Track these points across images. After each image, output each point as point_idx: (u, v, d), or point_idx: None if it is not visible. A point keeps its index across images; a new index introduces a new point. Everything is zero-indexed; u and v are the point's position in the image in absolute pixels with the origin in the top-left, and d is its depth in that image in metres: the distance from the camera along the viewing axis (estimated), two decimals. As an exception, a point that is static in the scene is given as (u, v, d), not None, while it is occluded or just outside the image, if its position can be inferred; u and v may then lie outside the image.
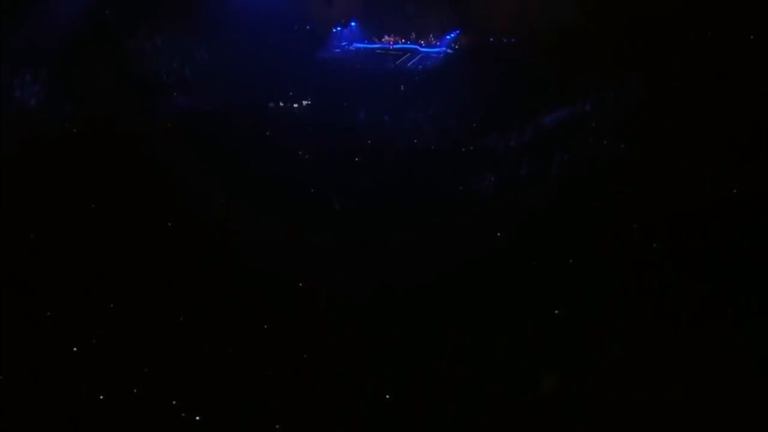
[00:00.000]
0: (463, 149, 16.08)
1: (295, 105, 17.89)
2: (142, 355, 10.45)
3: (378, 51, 20.03)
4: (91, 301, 11.24)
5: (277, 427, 9.82)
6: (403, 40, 19.89)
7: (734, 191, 11.91)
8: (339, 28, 20.13)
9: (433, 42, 19.74)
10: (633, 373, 9.93)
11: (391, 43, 19.95)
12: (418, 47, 19.78)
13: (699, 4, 14.14)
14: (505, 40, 18.34)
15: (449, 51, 19.53)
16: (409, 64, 19.72)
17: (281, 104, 17.74)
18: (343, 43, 20.20)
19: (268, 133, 16.08)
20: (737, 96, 12.70)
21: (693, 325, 10.31)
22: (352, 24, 19.98)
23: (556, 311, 11.15)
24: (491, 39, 18.48)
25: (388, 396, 10.20)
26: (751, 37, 13.07)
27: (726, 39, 13.50)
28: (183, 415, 9.87)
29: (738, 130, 12.42)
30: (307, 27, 19.59)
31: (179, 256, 12.27)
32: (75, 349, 10.48)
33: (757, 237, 11.11)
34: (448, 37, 19.46)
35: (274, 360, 10.64)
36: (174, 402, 9.96)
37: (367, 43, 20.08)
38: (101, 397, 9.84)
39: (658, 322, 10.54)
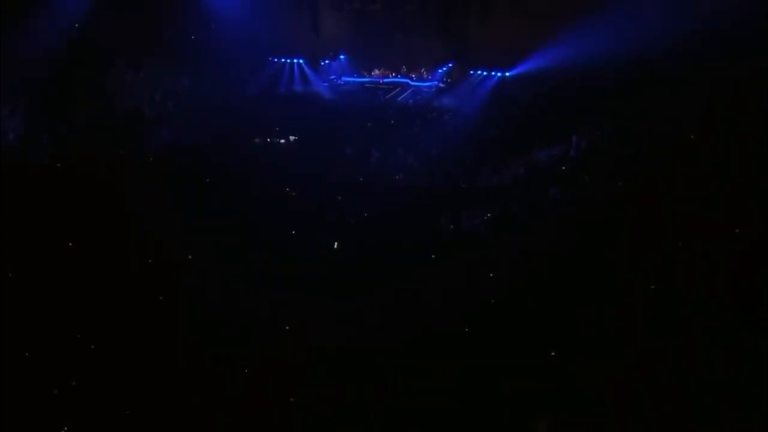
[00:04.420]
0: (455, 186, 15.93)
1: (282, 140, 17.72)
2: (122, 397, 10.10)
3: (367, 85, 20.14)
4: (69, 343, 10.94)
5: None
6: (393, 74, 19.97)
7: (736, 231, 11.67)
8: (327, 62, 20.20)
9: (425, 76, 19.76)
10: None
11: (381, 76, 19.99)
12: (409, 81, 19.81)
13: (695, 41, 14.11)
14: (498, 75, 18.30)
15: (441, 85, 19.53)
16: (399, 99, 19.73)
17: (267, 140, 17.59)
18: (332, 77, 20.32)
19: (253, 169, 15.87)
20: (736, 135, 12.60)
21: (691, 370, 9.99)
22: (341, 57, 20.05)
23: (553, 353, 10.79)
24: (484, 73, 18.45)
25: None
26: (748, 75, 13.00)
27: (725, 77, 13.45)
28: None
29: (738, 170, 12.28)
30: (295, 60, 19.59)
31: (160, 295, 11.92)
32: (55, 391, 10.14)
33: (757, 280, 10.83)
34: (439, 70, 19.47)
35: (258, 404, 10.27)
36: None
37: (356, 77, 20.15)
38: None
39: (655, 362, 10.21)
